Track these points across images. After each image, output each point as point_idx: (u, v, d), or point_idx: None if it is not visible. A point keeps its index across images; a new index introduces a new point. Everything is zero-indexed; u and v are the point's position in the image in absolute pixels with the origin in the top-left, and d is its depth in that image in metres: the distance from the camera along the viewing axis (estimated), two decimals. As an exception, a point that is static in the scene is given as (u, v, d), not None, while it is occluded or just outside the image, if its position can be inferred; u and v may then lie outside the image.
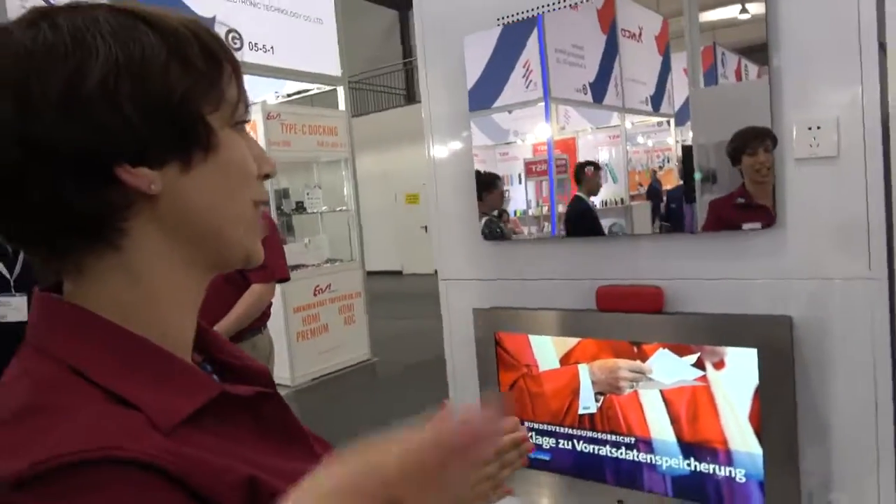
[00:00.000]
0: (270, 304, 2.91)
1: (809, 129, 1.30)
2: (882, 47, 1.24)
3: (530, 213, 1.75)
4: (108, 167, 0.51)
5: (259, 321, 2.86)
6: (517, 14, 1.64)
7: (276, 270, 2.81)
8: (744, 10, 1.48)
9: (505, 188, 1.78)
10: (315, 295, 6.04)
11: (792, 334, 1.31)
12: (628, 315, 1.49)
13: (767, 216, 1.35)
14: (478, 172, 1.71)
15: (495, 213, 1.74)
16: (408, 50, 16.35)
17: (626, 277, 1.53)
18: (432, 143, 1.83)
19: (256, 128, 5.73)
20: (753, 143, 1.37)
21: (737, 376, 1.36)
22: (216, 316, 2.60)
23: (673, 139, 1.53)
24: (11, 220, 0.53)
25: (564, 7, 1.57)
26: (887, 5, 1.21)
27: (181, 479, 0.46)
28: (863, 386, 1.30)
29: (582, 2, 1.55)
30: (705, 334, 1.40)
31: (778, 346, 1.31)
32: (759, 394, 1.33)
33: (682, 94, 1.49)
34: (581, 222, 1.64)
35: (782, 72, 1.33)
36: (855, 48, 1.25)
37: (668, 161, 1.55)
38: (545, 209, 1.72)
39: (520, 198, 1.75)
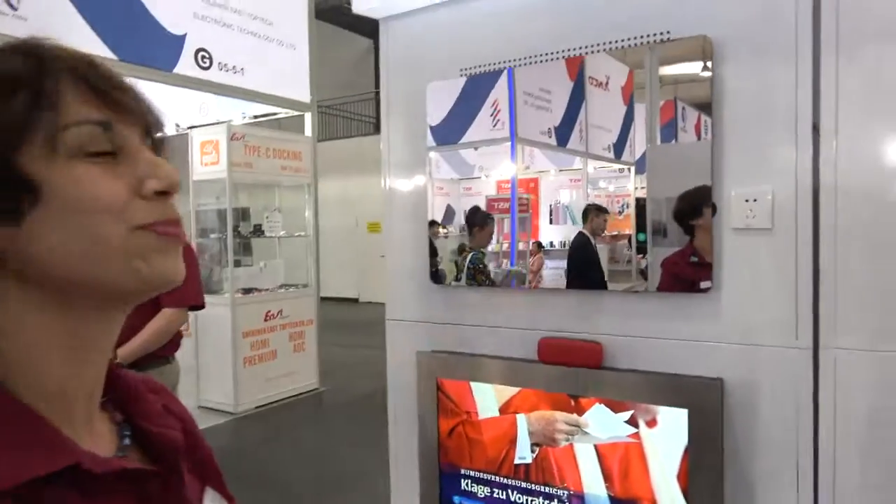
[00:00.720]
0: (181, 332, 2.76)
1: (746, 200, 1.35)
2: (815, 128, 1.31)
3: (490, 248, 1.76)
4: None
5: (168, 349, 2.68)
6: (481, 66, 1.68)
7: (189, 296, 2.63)
8: (706, 68, 1.52)
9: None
10: (266, 320, 5.95)
11: (722, 397, 1.34)
12: (568, 369, 1.50)
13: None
14: (474, 208, 1.71)
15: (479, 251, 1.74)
16: (379, 79, 16.45)
17: (567, 330, 1.55)
18: (389, 177, 1.85)
19: (219, 147, 5.67)
20: (706, 203, 1.42)
21: (667, 435, 1.37)
22: (121, 339, 2.48)
23: (632, 186, 1.56)
24: None
25: (530, 63, 1.62)
26: (822, 88, 1.29)
27: None
28: (787, 451, 1.33)
29: (547, 60, 1.59)
30: (640, 392, 1.42)
31: (708, 407, 1.33)
32: (689, 454, 1.34)
33: (643, 144, 1.52)
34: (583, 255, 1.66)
35: (724, 141, 1.38)
36: (791, 126, 1.31)
37: (628, 206, 1.57)
38: (505, 246, 1.73)
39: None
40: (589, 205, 1.62)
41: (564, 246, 1.66)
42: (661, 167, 1.49)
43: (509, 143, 1.66)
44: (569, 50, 1.57)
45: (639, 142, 1.51)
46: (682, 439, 1.35)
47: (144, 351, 2.51)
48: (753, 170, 1.36)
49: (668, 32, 1.45)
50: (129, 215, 0.54)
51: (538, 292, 1.64)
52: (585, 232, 1.61)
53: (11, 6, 3.37)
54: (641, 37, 1.48)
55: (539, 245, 1.73)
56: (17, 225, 0.51)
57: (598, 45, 1.54)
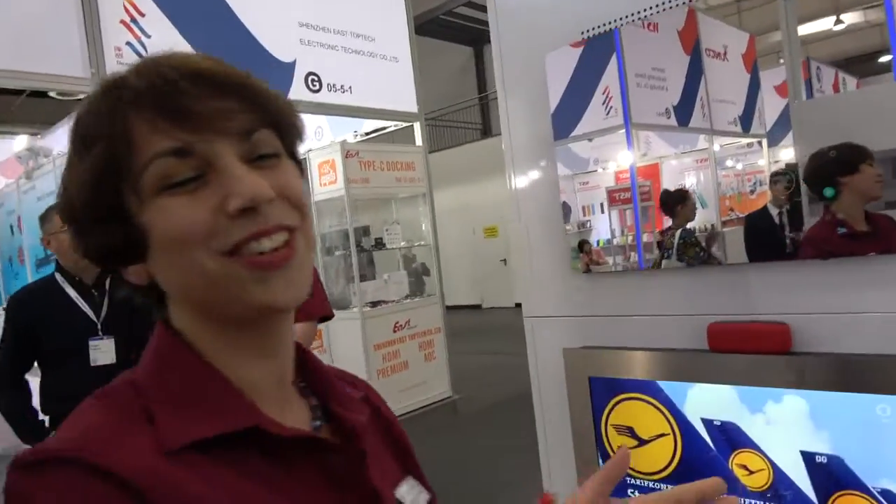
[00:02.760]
0: (314, 346, 2.80)
1: None
2: None
3: (615, 242, 1.68)
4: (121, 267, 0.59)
5: None
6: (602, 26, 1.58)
7: (316, 309, 2.60)
8: (839, 21, 1.40)
9: (585, 218, 1.72)
10: (395, 331, 6.08)
11: None
12: (747, 356, 1.32)
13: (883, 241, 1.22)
14: (664, 192, 1.60)
15: (686, 227, 1.62)
16: (483, 85, 16.55)
17: (741, 312, 1.38)
18: (514, 172, 1.78)
19: (336, 166, 5.89)
20: (864, 156, 1.24)
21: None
22: None
23: (766, 161, 1.44)
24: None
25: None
26: None
27: (143, 495, 0.48)
28: None
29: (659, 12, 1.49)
30: (847, 379, 1.22)
31: None
32: None
33: (774, 113, 1.40)
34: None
35: None
36: None
37: (761, 184, 1.45)
38: (630, 238, 1.65)
39: (603, 227, 1.68)
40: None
41: (695, 232, 1.55)
42: (815, 127, 1.35)
43: (624, 132, 1.58)
44: None
45: (769, 111, 1.39)
46: None
47: None
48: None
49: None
50: (217, 241, 0.53)
51: (698, 271, 1.49)
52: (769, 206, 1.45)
53: (141, 58, 3.72)
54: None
55: (664, 234, 1.63)
56: (143, 260, 0.56)
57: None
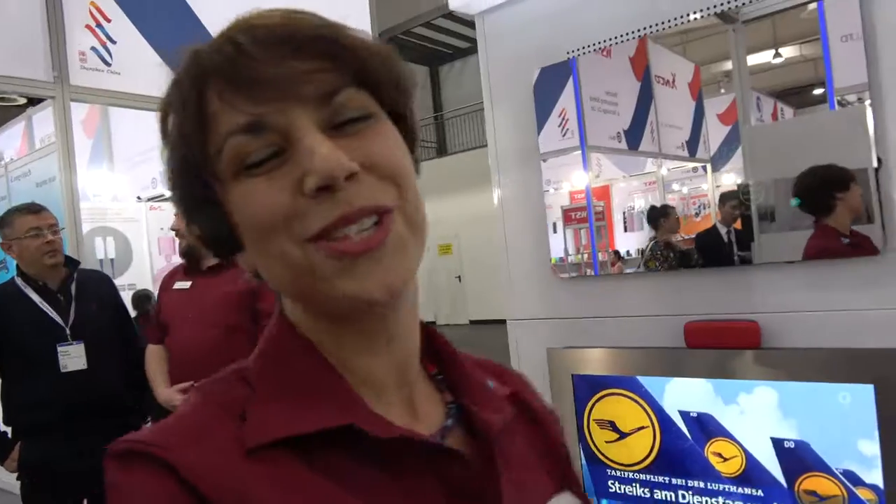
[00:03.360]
0: None
1: None
2: None
3: (570, 260, 1.73)
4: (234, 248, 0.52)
5: None
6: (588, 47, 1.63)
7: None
8: (777, 55, 1.48)
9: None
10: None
11: None
12: (722, 351, 1.42)
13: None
14: (651, 207, 1.66)
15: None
16: (438, 104, 16.68)
17: (715, 312, 1.47)
18: (499, 180, 1.81)
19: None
20: (849, 174, 1.32)
21: (850, 417, 1.27)
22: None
23: (710, 185, 1.51)
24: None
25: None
26: None
27: (204, 495, 0.44)
28: None
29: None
30: (812, 370, 1.31)
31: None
32: (882, 435, 1.23)
33: (717, 139, 1.48)
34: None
35: (882, 82, 1.27)
36: None
37: (705, 208, 1.52)
38: (586, 256, 1.70)
39: (556, 246, 1.73)
40: (654, 208, 1.56)
41: (642, 254, 1.62)
42: (765, 150, 1.42)
43: (580, 153, 1.63)
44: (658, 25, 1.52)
45: (713, 137, 1.46)
46: (871, 421, 1.23)
47: None
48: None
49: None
50: (298, 226, 0.46)
51: (675, 275, 1.56)
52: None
53: (106, 62, 3.68)
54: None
55: (617, 254, 1.69)
56: (241, 248, 0.51)
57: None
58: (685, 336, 1.47)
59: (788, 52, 1.45)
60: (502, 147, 1.82)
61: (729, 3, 1.43)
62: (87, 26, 3.59)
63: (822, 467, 1.29)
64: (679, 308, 1.51)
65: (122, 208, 6.20)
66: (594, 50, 1.61)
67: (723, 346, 1.42)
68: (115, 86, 3.68)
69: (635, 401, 1.51)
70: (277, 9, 0.48)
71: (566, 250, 1.72)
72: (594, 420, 1.57)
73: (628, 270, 1.66)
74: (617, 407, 1.54)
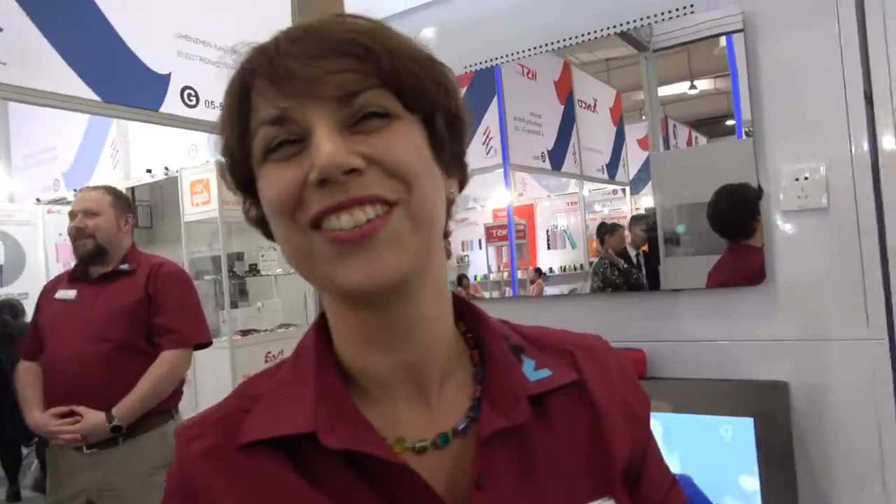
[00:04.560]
0: (183, 380, 2.28)
1: (797, 179, 1.28)
2: (867, 98, 1.24)
3: (491, 277, 1.74)
4: None
5: (170, 402, 2.21)
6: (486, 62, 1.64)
7: (192, 334, 2.25)
8: (693, 87, 1.53)
9: (464, 253, 1.78)
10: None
11: (789, 401, 1.24)
12: None
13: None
14: (600, 224, 1.67)
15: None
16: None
17: (609, 339, 1.49)
18: None
19: (210, 186, 5.65)
20: (757, 198, 1.35)
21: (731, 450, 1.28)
22: (118, 394, 2.04)
23: (629, 206, 1.55)
24: None
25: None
26: (871, 56, 1.22)
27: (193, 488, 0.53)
28: (868, 452, 1.22)
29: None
30: (695, 402, 1.33)
31: (776, 414, 1.24)
32: (761, 467, 1.25)
33: (637, 163, 1.52)
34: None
35: (763, 117, 1.32)
36: (839, 96, 1.24)
37: (624, 230, 1.56)
38: (506, 274, 1.71)
39: (480, 263, 1.74)
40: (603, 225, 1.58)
41: (565, 271, 1.64)
42: (671, 176, 1.47)
43: (502, 171, 1.65)
44: (581, 35, 1.54)
45: (632, 161, 1.51)
46: (751, 455, 1.25)
47: (145, 407, 2.08)
48: (801, 146, 1.28)
49: (691, 6, 1.41)
50: (301, 213, 0.49)
51: (559, 300, 1.58)
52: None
53: None
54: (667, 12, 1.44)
55: (538, 271, 1.71)
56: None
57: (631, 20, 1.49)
58: None
59: (704, 84, 1.52)
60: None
61: (629, 23, 1.47)
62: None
63: (703, 502, 1.30)
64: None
65: (17, 210, 5.73)
66: (483, 67, 1.63)
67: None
68: (5, 78, 3.46)
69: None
70: (337, 13, 0.52)
71: (488, 267, 1.73)
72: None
73: (549, 288, 1.68)
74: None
